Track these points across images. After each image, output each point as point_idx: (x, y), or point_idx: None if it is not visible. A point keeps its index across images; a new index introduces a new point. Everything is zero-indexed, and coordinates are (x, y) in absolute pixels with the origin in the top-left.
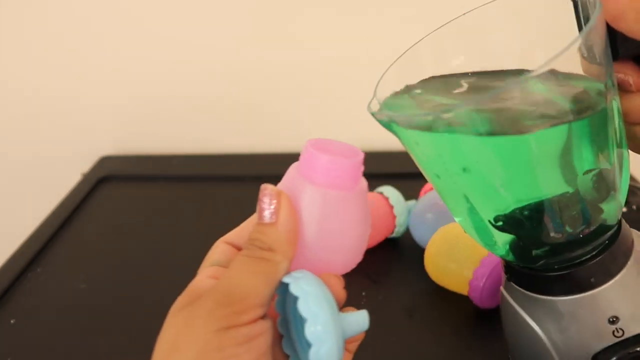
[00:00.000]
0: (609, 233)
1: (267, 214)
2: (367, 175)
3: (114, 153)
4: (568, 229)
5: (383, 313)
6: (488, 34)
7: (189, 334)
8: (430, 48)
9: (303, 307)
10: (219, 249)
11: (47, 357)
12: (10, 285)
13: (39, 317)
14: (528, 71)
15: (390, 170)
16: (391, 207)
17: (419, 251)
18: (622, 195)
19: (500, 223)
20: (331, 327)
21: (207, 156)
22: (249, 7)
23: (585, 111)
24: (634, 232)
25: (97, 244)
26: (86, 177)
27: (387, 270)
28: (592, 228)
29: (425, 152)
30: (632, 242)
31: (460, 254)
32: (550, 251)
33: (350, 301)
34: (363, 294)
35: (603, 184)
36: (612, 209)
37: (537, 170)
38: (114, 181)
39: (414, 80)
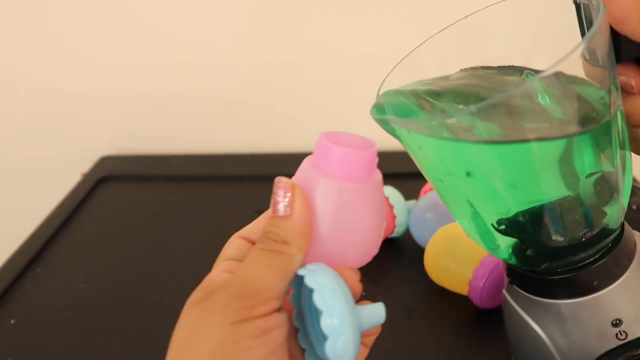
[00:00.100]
0: (612, 236)
1: (281, 206)
2: None
3: (114, 153)
4: (571, 232)
5: None
6: (490, 36)
7: (205, 327)
8: (432, 51)
9: (319, 300)
10: (234, 244)
11: (47, 357)
12: (10, 285)
13: (39, 317)
14: (530, 68)
15: (390, 170)
16: (391, 207)
17: (419, 251)
18: (625, 198)
19: (503, 227)
20: (347, 319)
21: (207, 156)
22: (248, 6)
23: (590, 121)
24: (636, 234)
25: (97, 244)
26: (86, 177)
27: (387, 270)
28: (595, 231)
29: (428, 157)
30: (635, 244)
31: (460, 254)
32: (553, 255)
33: None
34: (363, 293)
35: (606, 187)
36: (615, 212)
37: (540, 175)
38: (114, 181)
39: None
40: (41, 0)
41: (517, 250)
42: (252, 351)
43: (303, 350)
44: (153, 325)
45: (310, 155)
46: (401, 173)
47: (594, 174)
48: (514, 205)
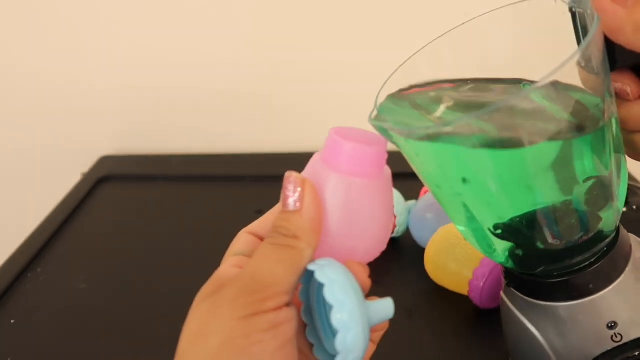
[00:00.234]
0: (608, 240)
1: (291, 201)
2: None
3: (114, 153)
4: (567, 236)
5: None
6: (487, 43)
7: (215, 322)
8: (429, 58)
9: (329, 295)
10: (242, 239)
11: (47, 357)
12: (10, 285)
13: (39, 317)
14: (527, 80)
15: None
16: None
17: (419, 251)
18: (620, 202)
19: (499, 231)
20: (357, 314)
21: (207, 156)
22: (250, 5)
23: (585, 128)
24: (632, 237)
25: (97, 244)
26: (86, 177)
27: (387, 270)
28: (591, 235)
29: (425, 163)
30: (630, 247)
31: (460, 254)
32: (549, 258)
33: None
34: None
35: (601, 192)
36: (610, 217)
37: (535, 181)
38: (114, 181)
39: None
40: (41, 1)
41: (513, 254)
42: (263, 345)
43: (311, 346)
44: (153, 325)
45: (320, 150)
46: (401, 173)
47: (589, 179)
48: (510, 210)
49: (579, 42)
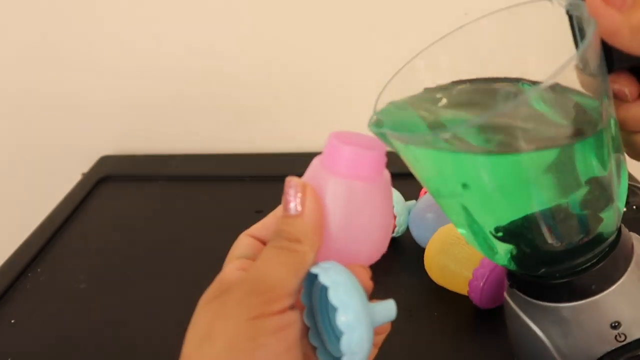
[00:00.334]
0: (609, 240)
1: (292, 206)
2: None
3: (114, 153)
4: (568, 238)
5: None
6: (484, 47)
7: (221, 324)
8: (427, 62)
9: (334, 297)
10: (244, 242)
11: (47, 357)
12: (10, 285)
13: (39, 317)
14: (525, 79)
15: (390, 171)
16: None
17: (419, 251)
18: (621, 202)
19: (500, 234)
20: (362, 315)
21: (207, 156)
22: (248, 7)
23: (584, 130)
24: (634, 236)
25: (97, 244)
26: (86, 177)
27: (387, 270)
28: (592, 236)
29: (424, 168)
30: (632, 246)
31: (460, 254)
32: (551, 260)
33: None
34: None
35: (601, 193)
36: (611, 217)
37: (536, 185)
38: (114, 181)
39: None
40: (41, 1)
41: (515, 256)
42: (268, 348)
43: (314, 349)
44: (153, 325)
45: (320, 155)
46: (401, 173)
47: (589, 180)
48: (510, 213)
49: (576, 44)
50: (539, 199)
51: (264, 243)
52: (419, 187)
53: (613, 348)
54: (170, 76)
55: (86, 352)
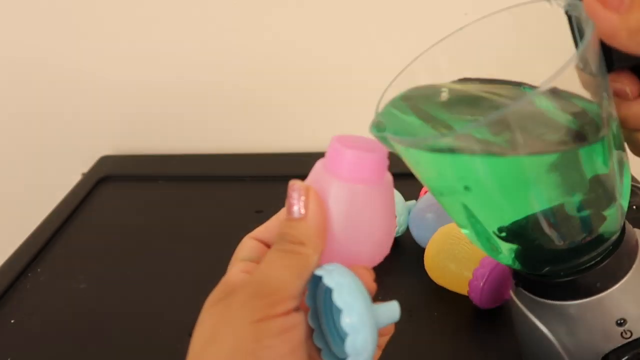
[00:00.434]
0: (613, 238)
1: (296, 209)
2: None
3: (114, 153)
4: (571, 237)
5: None
6: (483, 48)
7: (226, 326)
8: (427, 64)
9: (338, 298)
10: (248, 245)
11: (47, 357)
12: (10, 285)
13: (39, 317)
14: (525, 83)
15: (390, 171)
16: None
17: (419, 251)
18: (624, 200)
19: (504, 234)
20: (366, 317)
21: (207, 156)
22: (249, 7)
23: (585, 130)
24: (638, 232)
25: (97, 244)
26: (86, 177)
27: (386, 270)
28: (595, 235)
29: (426, 172)
30: (637, 243)
31: (460, 254)
32: (554, 259)
33: None
34: None
35: (604, 192)
36: (615, 215)
37: (538, 186)
38: (114, 181)
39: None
40: (41, 2)
41: (519, 255)
42: (273, 350)
43: (319, 350)
44: (153, 325)
45: (322, 158)
46: (401, 173)
47: (591, 179)
48: (513, 214)
49: (576, 44)
50: (541, 199)
51: (267, 246)
52: (419, 187)
53: (619, 345)
54: (170, 76)
55: (86, 352)
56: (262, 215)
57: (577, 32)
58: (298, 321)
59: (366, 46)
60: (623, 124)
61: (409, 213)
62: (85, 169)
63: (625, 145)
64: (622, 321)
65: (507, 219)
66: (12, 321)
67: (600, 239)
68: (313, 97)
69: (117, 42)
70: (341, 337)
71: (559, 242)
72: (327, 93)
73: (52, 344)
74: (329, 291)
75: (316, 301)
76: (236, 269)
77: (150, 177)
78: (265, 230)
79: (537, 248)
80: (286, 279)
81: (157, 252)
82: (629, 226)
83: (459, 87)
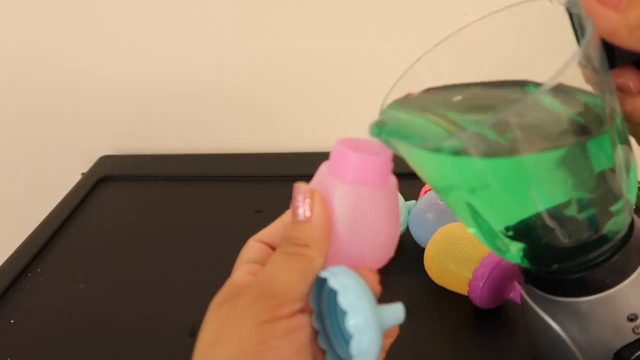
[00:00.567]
0: (621, 234)
1: (301, 211)
2: None
3: (114, 153)
4: (579, 235)
5: None
6: (484, 48)
7: (231, 328)
8: (430, 65)
9: (343, 300)
10: (253, 247)
11: (47, 357)
12: (10, 285)
13: (39, 317)
14: (529, 81)
15: None
16: None
17: (419, 251)
18: (632, 194)
19: (511, 233)
20: (371, 318)
21: (207, 156)
22: (249, 6)
23: (589, 126)
24: None
25: (97, 244)
26: (86, 177)
27: (386, 270)
28: (603, 231)
29: (430, 174)
30: None
31: (460, 254)
32: (563, 256)
33: None
34: None
35: (611, 188)
36: (622, 211)
37: (544, 185)
38: (113, 181)
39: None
40: (41, 2)
41: (527, 253)
42: (278, 352)
43: (323, 352)
44: (153, 325)
45: (327, 161)
46: (401, 173)
47: (598, 175)
48: (520, 213)
49: (578, 41)
50: (548, 197)
51: (272, 248)
52: (419, 187)
53: (631, 340)
54: (170, 76)
55: (86, 352)
56: (262, 215)
57: (578, 29)
58: (303, 323)
59: (366, 46)
60: (628, 118)
61: (409, 213)
62: (85, 169)
63: (632, 139)
64: (633, 317)
65: (514, 218)
66: (12, 321)
67: (609, 235)
68: (313, 97)
69: (117, 42)
70: (346, 339)
71: (566, 240)
72: (327, 93)
73: (52, 344)
74: (333, 293)
75: (321, 303)
76: (241, 271)
77: (150, 177)
78: (269, 232)
79: (545, 246)
80: (291, 281)
81: (157, 252)
82: (637, 221)
83: (461, 90)
